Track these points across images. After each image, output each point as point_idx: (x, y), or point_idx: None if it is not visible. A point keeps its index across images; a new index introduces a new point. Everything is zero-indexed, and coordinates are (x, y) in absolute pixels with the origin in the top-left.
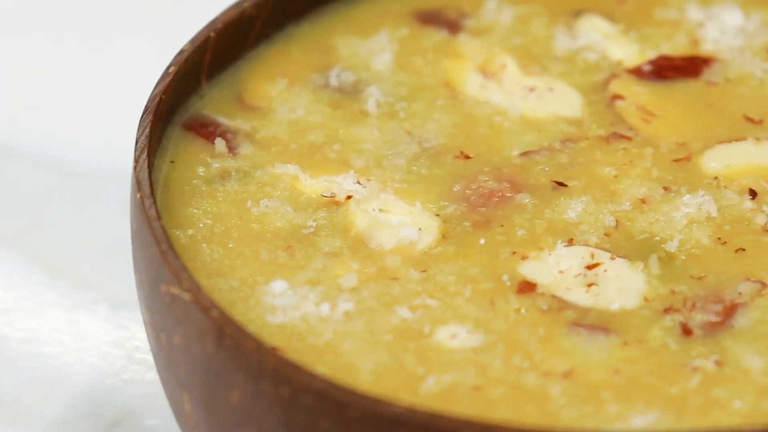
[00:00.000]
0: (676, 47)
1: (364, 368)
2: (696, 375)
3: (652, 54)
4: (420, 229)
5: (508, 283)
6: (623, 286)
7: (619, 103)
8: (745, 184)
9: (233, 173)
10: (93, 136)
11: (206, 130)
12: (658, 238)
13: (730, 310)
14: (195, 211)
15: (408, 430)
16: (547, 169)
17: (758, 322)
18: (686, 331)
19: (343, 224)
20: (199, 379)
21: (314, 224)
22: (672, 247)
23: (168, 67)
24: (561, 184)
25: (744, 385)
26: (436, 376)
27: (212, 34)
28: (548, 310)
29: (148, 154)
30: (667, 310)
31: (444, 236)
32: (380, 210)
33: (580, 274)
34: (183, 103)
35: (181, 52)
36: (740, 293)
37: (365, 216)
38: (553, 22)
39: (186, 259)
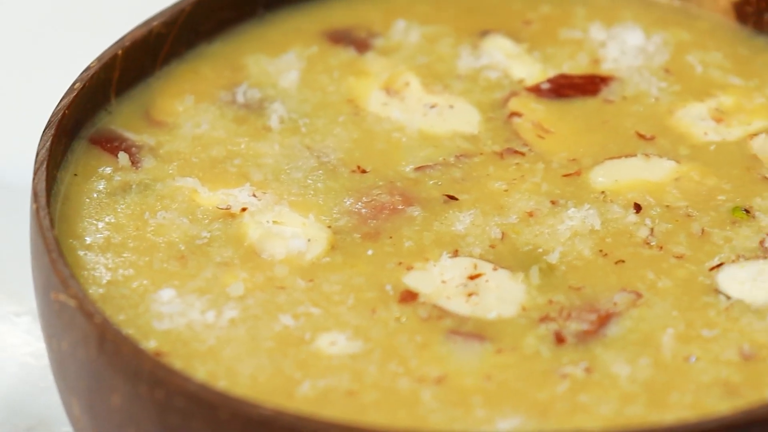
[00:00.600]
0: (577, 66)
1: (243, 373)
2: (564, 381)
3: (553, 73)
4: (309, 240)
5: (391, 292)
6: (502, 295)
7: (516, 120)
8: (630, 198)
9: (134, 186)
10: (6, 150)
11: (111, 145)
12: (540, 250)
13: (603, 320)
14: (94, 222)
15: (275, 431)
16: (440, 183)
17: (630, 331)
18: (559, 339)
19: (236, 235)
20: (85, 384)
21: (208, 235)
22: (553, 258)
23: (73, 83)
24: (452, 197)
25: (610, 391)
26: (311, 381)
27: (120, 52)
28: (428, 318)
29: (47, 167)
30: (543, 319)
31: (333, 247)
32: (274, 222)
33: (461, 285)
34: (90, 119)
35: (88, 68)
36: (615, 303)
37: (258, 227)
38: (459, 42)
39: (79, 268)
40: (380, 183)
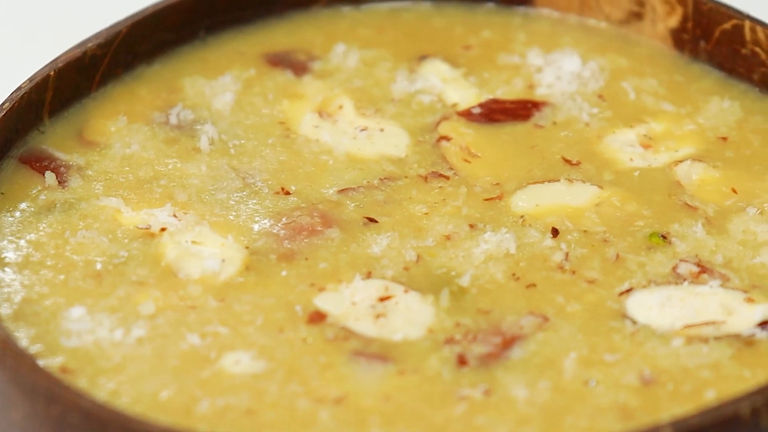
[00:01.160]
0: (512, 91)
1: (145, 390)
2: (462, 403)
3: (488, 97)
4: (223, 261)
5: (300, 313)
6: (410, 317)
7: (444, 144)
8: (549, 223)
9: (58, 205)
10: None
11: (41, 164)
12: (453, 273)
13: (508, 343)
14: (15, 240)
15: None
16: (361, 205)
17: (533, 354)
18: (461, 361)
19: (154, 255)
20: None
21: (126, 254)
22: (465, 281)
23: (2, 103)
24: (372, 220)
25: (507, 413)
26: (211, 399)
27: (52, 73)
28: (333, 339)
29: None
30: (447, 342)
31: (247, 268)
32: (193, 242)
33: (371, 306)
34: (22, 138)
35: (19, 88)
36: (521, 327)
37: (176, 247)
38: (397, 66)
39: None
40: (303, 205)
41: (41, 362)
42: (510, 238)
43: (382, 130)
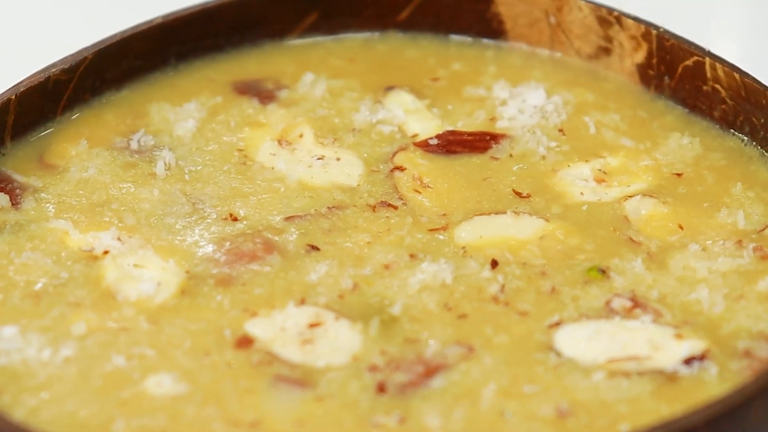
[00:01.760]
0: (473, 123)
1: (65, 409)
2: (374, 431)
3: (448, 129)
4: (159, 284)
5: (229, 337)
6: (337, 344)
7: (397, 174)
8: (490, 254)
9: (8, 226)
10: None
11: None
12: (387, 302)
13: (430, 372)
14: None
15: None
16: (306, 233)
17: (453, 384)
18: (381, 389)
19: (95, 277)
20: None
21: (67, 276)
22: (396, 310)
23: None
24: (314, 248)
25: None
26: (128, 420)
27: (13, 97)
28: (258, 364)
29: None
30: (371, 369)
31: (183, 292)
32: (135, 265)
33: (299, 333)
34: None
35: None
36: (446, 356)
37: (116, 270)
38: (363, 97)
39: None
40: (248, 231)
41: None
42: (447, 268)
43: (338, 159)
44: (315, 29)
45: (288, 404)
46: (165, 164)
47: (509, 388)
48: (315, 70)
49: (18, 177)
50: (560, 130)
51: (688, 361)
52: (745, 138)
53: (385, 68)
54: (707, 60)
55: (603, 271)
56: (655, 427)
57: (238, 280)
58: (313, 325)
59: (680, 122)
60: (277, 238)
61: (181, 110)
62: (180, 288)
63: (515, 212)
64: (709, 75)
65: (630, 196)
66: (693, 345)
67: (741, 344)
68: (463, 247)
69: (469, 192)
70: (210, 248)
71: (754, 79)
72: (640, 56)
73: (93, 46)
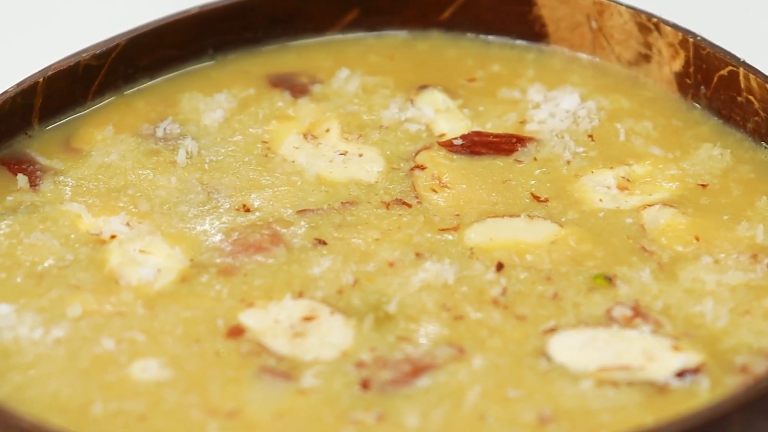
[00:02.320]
0: (503, 125)
1: (49, 388)
2: (351, 427)
3: (477, 130)
4: (159, 271)
5: (221, 327)
6: (328, 339)
7: (417, 172)
8: (497, 257)
9: (23, 207)
10: None
11: (20, 167)
12: (385, 299)
13: (417, 371)
14: None
15: None
16: (315, 227)
17: (438, 385)
18: (364, 385)
19: (100, 261)
20: None
21: (72, 258)
22: (392, 308)
23: None
24: (321, 242)
25: None
26: (107, 402)
27: (41, 80)
28: (246, 354)
29: None
30: (358, 365)
31: (183, 279)
32: (141, 251)
33: (292, 326)
34: (6, 141)
35: (4, 92)
36: (435, 356)
37: (120, 255)
38: (395, 94)
39: None
40: (259, 223)
41: None
42: (451, 269)
43: (360, 155)
44: (356, 25)
45: (270, 396)
46: (187, 153)
47: (494, 392)
48: (352, 66)
49: (41, 159)
50: (590, 136)
51: (681, 374)
52: None
53: (423, 67)
54: (741, 70)
55: (609, 279)
56: None
57: (240, 270)
58: (307, 319)
59: (713, 133)
60: (285, 231)
61: (212, 100)
62: (180, 275)
63: (529, 216)
64: (743, 85)
65: (650, 205)
66: (689, 358)
67: (739, 359)
68: (471, 249)
69: (486, 194)
70: (218, 238)
71: None
72: (677, 64)
73: (125, 33)
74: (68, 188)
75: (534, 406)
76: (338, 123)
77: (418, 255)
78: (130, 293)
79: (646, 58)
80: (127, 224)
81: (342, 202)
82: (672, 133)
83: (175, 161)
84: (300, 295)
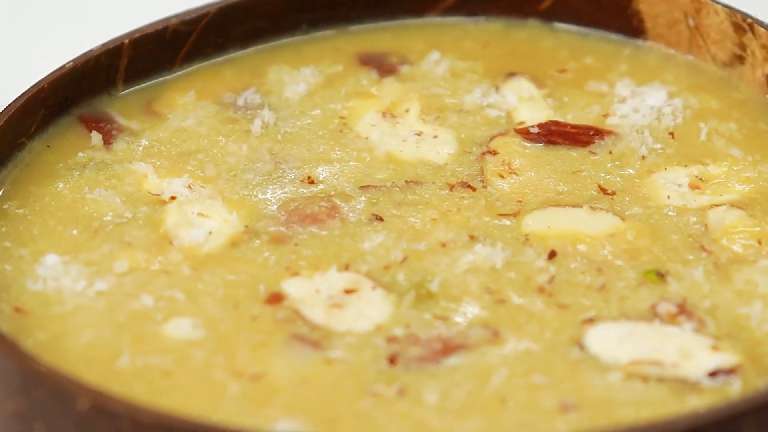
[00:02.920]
0: (585, 117)
1: (82, 339)
2: (369, 399)
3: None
4: (210, 233)
5: (262, 292)
6: (365, 312)
7: (488, 157)
8: (551, 245)
9: (92, 163)
10: None
11: (97, 125)
12: (429, 278)
13: (448, 351)
14: (39, 188)
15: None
16: (375, 203)
17: (466, 366)
18: (392, 360)
19: (157, 220)
20: None
21: (130, 215)
22: (434, 287)
23: (66, 63)
24: (378, 218)
25: (408, 417)
26: (135, 356)
27: (126, 41)
28: (281, 321)
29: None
30: (389, 340)
31: (233, 244)
32: (198, 214)
33: (330, 296)
34: (87, 99)
35: (89, 51)
36: (467, 337)
37: (178, 216)
38: (482, 80)
39: None
40: (320, 195)
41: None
42: (502, 253)
43: (435, 137)
44: (455, 9)
45: (295, 362)
46: (262, 122)
47: (521, 377)
48: (445, 50)
49: (120, 119)
50: (670, 133)
51: (714, 374)
52: None
53: (516, 55)
54: None
55: (661, 275)
56: (633, 427)
57: (291, 239)
58: (348, 291)
59: None
60: (344, 205)
61: (298, 74)
62: (231, 240)
63: (592, 207)
64: None
65: (717, 205)
66: (725, 358)
67: None
68: (527, 235)
69: (554, 183)
70: (275, 207)
71: None
72: None
73: (217, 2)
74: (140, 149)
75: (558, 394)
76: (419, 104)
77: (472, 237)
78: (180, 254)
79: (740, 59)
80: (189, 187)
81: (406, 181)
82: (756, 136)
83: (249, 130)
84: (346, 267)
